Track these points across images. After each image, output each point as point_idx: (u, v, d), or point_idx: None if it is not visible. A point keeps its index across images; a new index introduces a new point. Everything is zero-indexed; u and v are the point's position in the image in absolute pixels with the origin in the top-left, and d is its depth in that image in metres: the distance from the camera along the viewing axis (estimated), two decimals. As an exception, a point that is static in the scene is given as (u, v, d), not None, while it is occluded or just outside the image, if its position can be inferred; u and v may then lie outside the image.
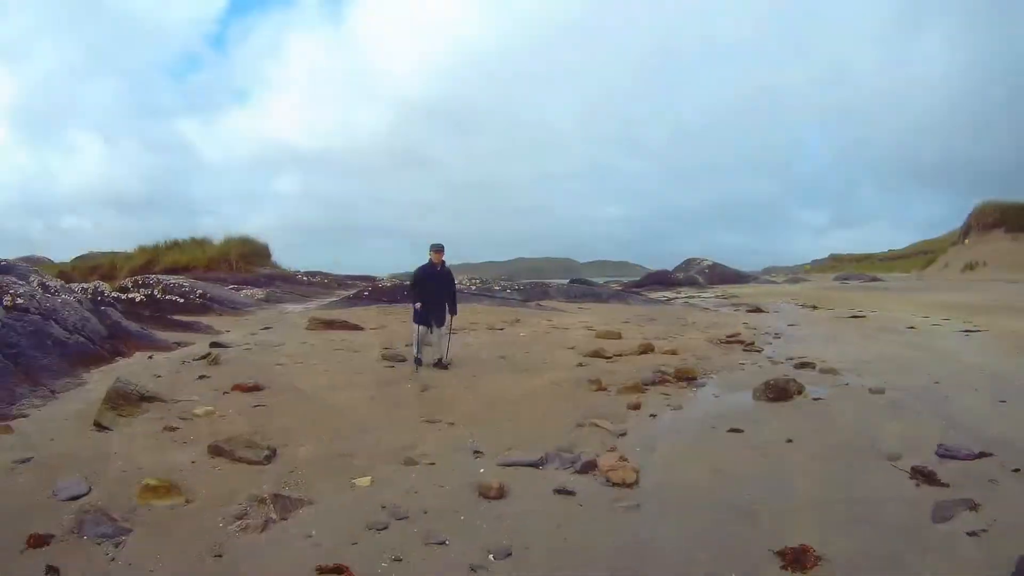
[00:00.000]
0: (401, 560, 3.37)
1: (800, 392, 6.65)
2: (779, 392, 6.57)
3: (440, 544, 3.54)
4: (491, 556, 3.38)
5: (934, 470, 4.29)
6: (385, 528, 3.73)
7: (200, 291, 20.01)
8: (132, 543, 3.82)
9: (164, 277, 21.21)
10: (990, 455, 4.57)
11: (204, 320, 15.78)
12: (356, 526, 3.78)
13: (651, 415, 6.24)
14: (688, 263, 39.73)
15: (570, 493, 4.18)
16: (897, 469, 4.47)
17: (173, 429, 6.17)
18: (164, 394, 7.62)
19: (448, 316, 9.89)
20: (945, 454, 4.60)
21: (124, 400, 7.43)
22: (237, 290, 22.18)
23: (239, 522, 3.96)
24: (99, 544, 3.89)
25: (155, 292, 19.27)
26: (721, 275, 37.51)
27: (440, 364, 9.60)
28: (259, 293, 22.33)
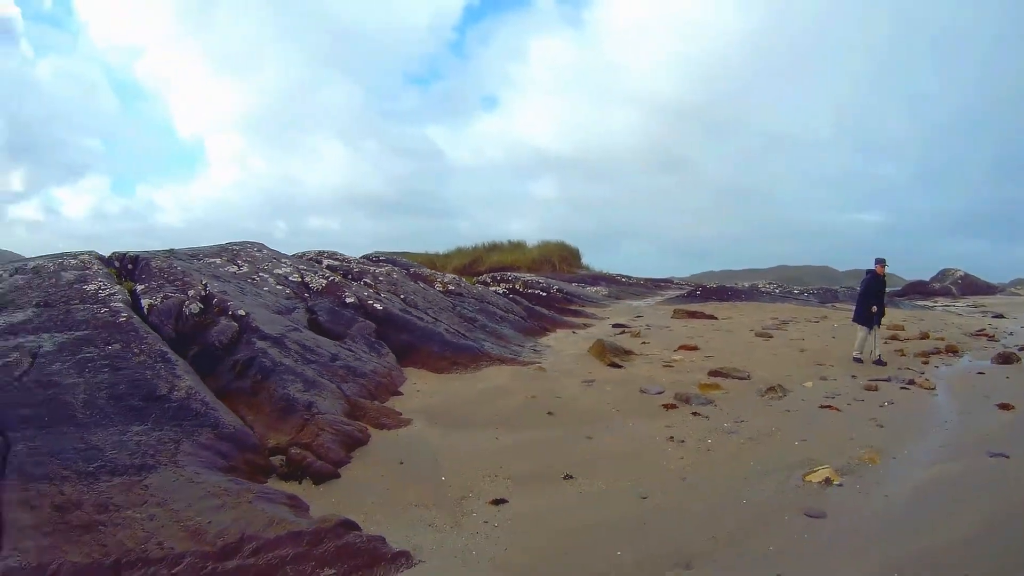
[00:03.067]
0: (850, 404, 8.96)
1: (1018, 360, 11.66)
2: (1005, 359, 11.64)
3: (861, 402, 9.11)
4: (887, 403, 8.97)
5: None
6: (833, 397, 9.37)
7: (556, 287, 23.03)
8: (719, 404, 9.08)
9: (521, 275, 25.15)
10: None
11: (583, 309, 20.39)
12: (820, 397, 9.41)
13: (935, 366, 11.58)
14: (943, 274, 41.53)
15: (907, 389, 9.76)
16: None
17: (670, 366, 11.60)
18: (634, 351, 12.99)
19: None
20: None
21: (618, 351, 12.45)
22: (581, 287, 25.60)
23: (766, 395, 9.47)
24: (704, 405, 8.98)
25: (516, 287, 22.29)
26: (972, 286, 39.02)
27: (880, 361, 11.91)
28: (603, 290, 26.17)
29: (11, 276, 10.17)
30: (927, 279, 41.56)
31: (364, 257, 22.41)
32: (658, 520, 5.44)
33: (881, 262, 12.26)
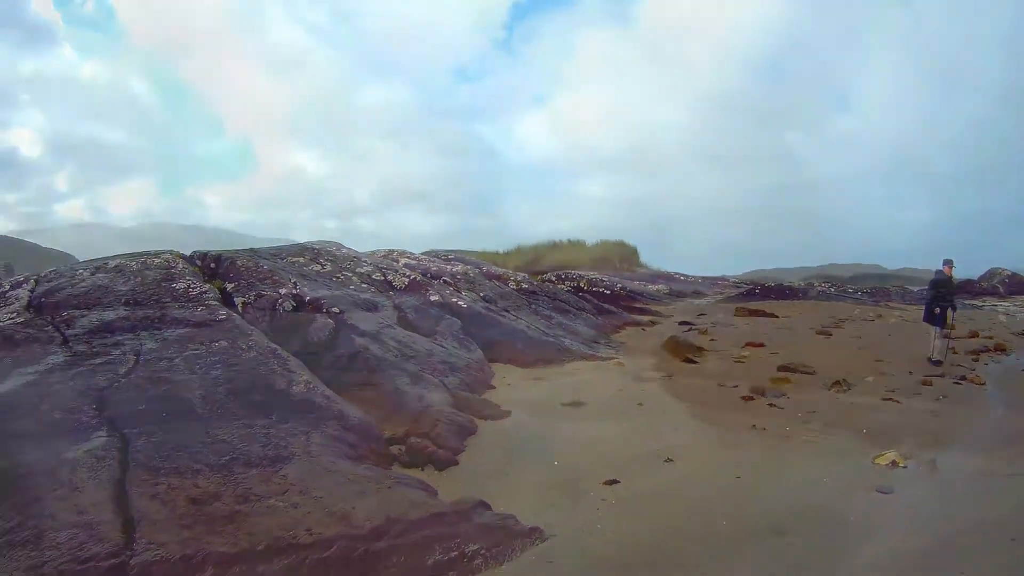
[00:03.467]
0: (909, 398, 10.13)
1: (1060, 358, 12.48)
2: (1050, 356, 12.43)
3: (918, 395, 10.29)
4: (942, 396, 10.13)
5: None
6: (893, 391, 10.47)
7: (620, 286, 23.78)
8: (791, 396, 10.18)
9: (585, 273, 25.69)
10: None
11: (648, 307, 21.35)
12: (881, 390, 10.54)
13: (984, 364, 12.52)
14: (990, 273, 41.64)
15: (959, 384, 10.83)
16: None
17: (740, 362, 12.74)
18: (704, 347, 14.03)
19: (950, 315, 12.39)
20: None
21: (690, 347, 13.46)
22: (643, 286, 26.21)
23: (832, 389, 10.63)
24: (778, 397, 10.06)
25: (581, 285, 22.72)
26: (1019, 284, 39.30)
27: (936, 363, 12.24)
28: (663, 288, 26.94)
29: (92, 275, 10.17)
30: (975, 278, 41.72)
31: (431, 255, 23.18)
32: (752, 496, 6.31)
33: (948, 263, 12.79)
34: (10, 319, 8.52)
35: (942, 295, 12.55)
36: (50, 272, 10.65)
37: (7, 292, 9.60)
